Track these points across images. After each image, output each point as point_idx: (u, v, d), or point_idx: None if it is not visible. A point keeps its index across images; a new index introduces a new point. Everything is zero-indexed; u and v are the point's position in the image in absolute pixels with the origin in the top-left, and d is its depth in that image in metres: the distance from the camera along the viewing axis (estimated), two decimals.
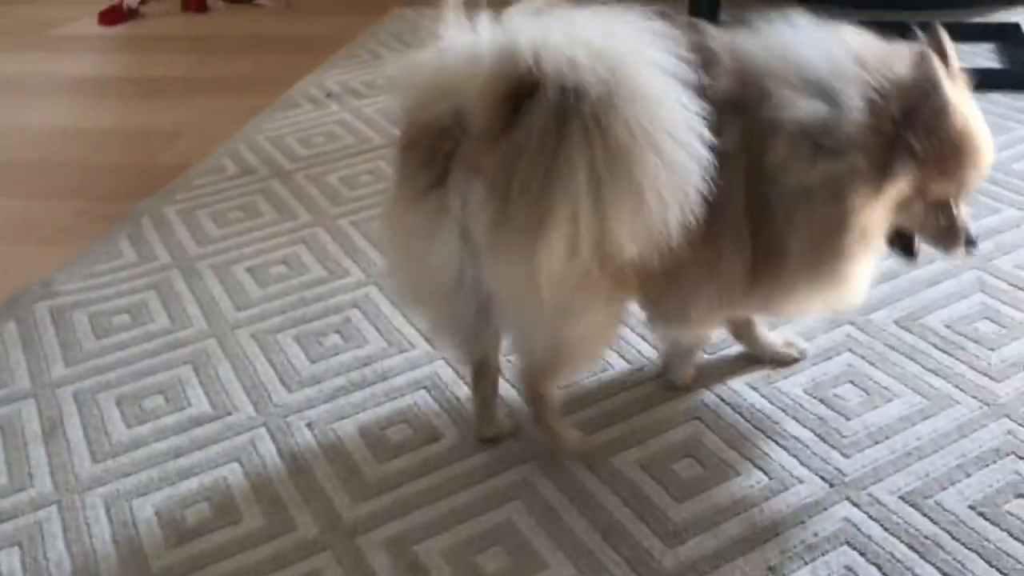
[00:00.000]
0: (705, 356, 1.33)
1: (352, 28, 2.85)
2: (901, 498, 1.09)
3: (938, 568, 1.00)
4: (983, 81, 2.03)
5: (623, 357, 1.35)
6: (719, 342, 1.35)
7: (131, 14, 3.18)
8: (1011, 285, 1.43)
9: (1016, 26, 2.31)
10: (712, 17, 2.42)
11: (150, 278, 1.64)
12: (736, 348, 1.34)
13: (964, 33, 2.33)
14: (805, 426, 1.20)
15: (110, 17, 3.15)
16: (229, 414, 1.31)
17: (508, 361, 1.23)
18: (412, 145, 0.98)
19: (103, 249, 1.74)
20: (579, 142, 0.88)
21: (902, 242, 1.10)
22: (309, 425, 1.27)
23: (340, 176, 1.94)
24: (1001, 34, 2.30)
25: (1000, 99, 2.01)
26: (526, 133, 0.89)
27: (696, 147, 0.90)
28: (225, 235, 1.76)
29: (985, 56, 2.23)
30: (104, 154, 2.18)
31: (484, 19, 0.94)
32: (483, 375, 1.20)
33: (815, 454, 1.16)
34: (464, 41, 0.93)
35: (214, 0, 3.23)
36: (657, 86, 0.91)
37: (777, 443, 1.18)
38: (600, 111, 0.88)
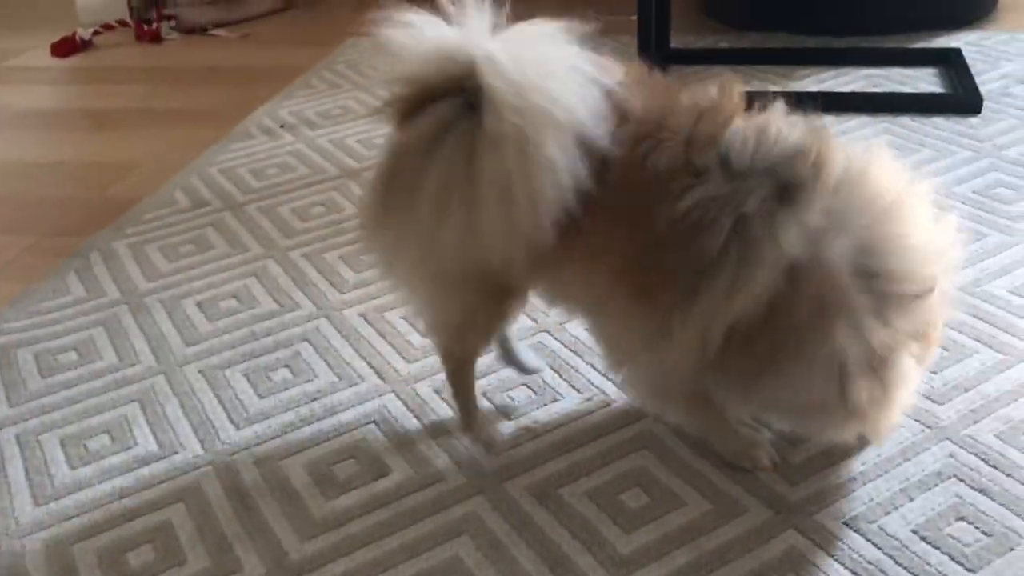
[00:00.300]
0: None
1: (308, 58, 2.85)
2: (845, 523, 1.10)
3: None
4: (926, 105, 2.11)
5: (573, 386, 1.35)
6: None
7: (84, 45, 3.17)
8: (953, 308, 1.45)
9: (957, 51, 2.36)
10: (661, 46, 2.45)
11: (98, 314, 1.62)
12: None
13: (908, 58, 2.39)
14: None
15: (63, 48, 3.13)
16: (175, 453, 1.30)
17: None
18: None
19: (51, 285, 1.72)
20: (461, 142, 1.01)
21: None
22: (256, 463, 1.26)
23: (292, 207, 1.94)
24: (943, 59, 2.35)
25: (943, 123, 2.05)
26: (423, 123, 1.03)
27: (577, 161, 0.99)
28: (175, 269, 1.74)
29: (928, 80, 2.28)
30: (54, 188, 2.16)
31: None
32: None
33: (761, 481, 1.16)
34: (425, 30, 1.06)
35: (168, 31, 3.23)
36: (564, 91, 0.99)
37: (723, 471, 1.19)
38: (500, 108, 0.98)
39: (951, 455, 1.18)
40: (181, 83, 2.79)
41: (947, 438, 1.21)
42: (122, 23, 3.28)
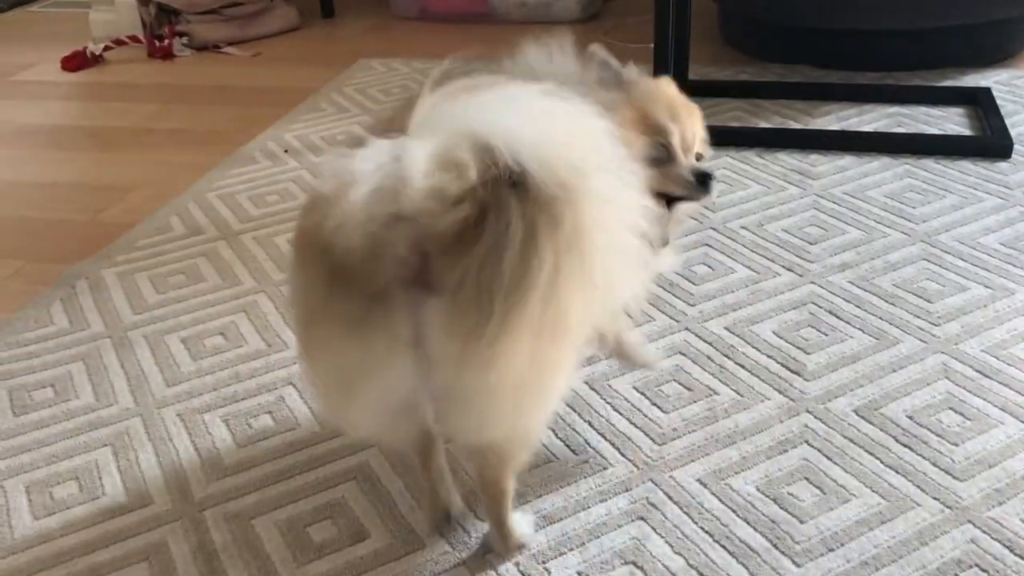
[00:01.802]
0: (655, 446, 1.26)
1: (318, 79, 2.79)
2: None
3: None
4: (952, 147, 2.02)
5: (568, 445, 1.27)
6: (667, 431, 1.28)
7: (95, 60, 3.13)
8: (977, 372, 1.36)
9: (987, 91, 2.27)
10: (679, 77, 2.38)
11: (79, 348, 1.56)
12: (686, 440, 1.27)
13: (935, 97, 2.30)
14: (756, 529, 1.12)
15: (72, 63, 3.10)
16: (145, 506, 1.22)
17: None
18: (338, 271, 0.83)
19: (33, 314, 1.66)
20: (545, 242, 0.81)
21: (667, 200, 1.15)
22: (228, 519, 1.19)
23: (289, 238, 1.87)
24: (972, 98, 2.26)
25: (970, 167, 1.96)
26: (495, 237, 0.80)
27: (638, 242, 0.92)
28: (163, 301, 1.68)
29: (955, 121, 2.19)
30: (46, 210, 2.11)
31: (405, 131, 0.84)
32: (433, 454, 1.13)
33: (765, 562, 1.08)
34: (394, 163, 0.79)
35: (181, 48, 3.18)
36: (609, 189, 0.88)
37: (726, 549, 1.10)
38: (558, 211, 0.82)
39: (973, 540, 1.09)
40: (188, 102, 2.74)
41: (969, 520, 1.12)
42: (134, 39, 3.24)
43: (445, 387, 0.89)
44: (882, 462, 1.21)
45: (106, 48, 3.18)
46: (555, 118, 0.85)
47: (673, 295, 1.58)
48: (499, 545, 1.11)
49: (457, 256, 0.81)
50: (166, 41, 3.17)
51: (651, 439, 1.27)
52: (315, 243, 0.83)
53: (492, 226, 0.80)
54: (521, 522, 1.12)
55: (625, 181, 0.90)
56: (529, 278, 0.81)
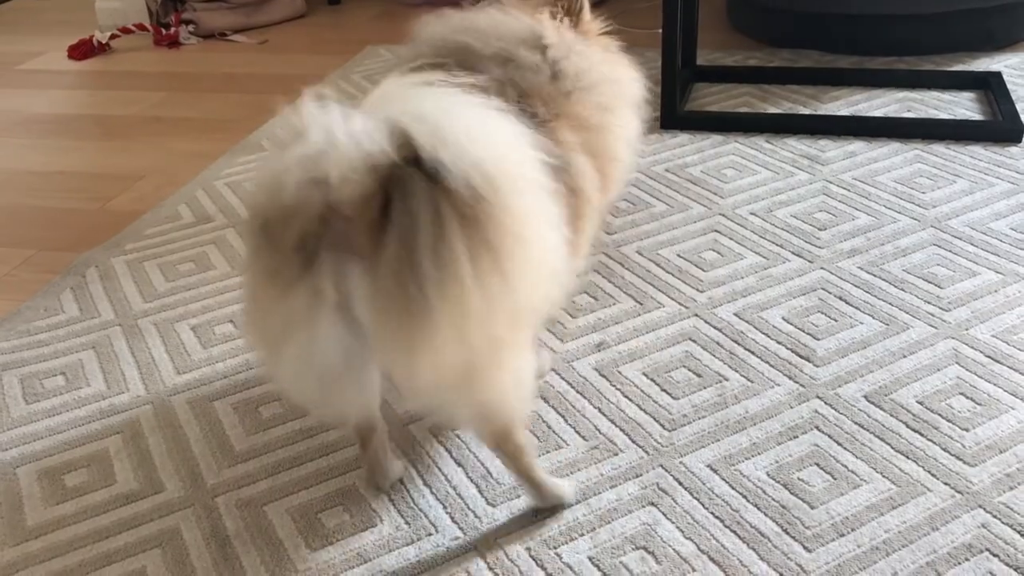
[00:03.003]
0: (665, 432, 1.26)
1: (325, 67, 2.79)
2: None
3: None
4: (963, 132, 2.01)
5: (578, 432, 1.27)
6: (677, 417, 1.28)
7: (101, 48, 3.12)
8: (988, 357, 1.36)
9: (998, 75, 2.25)
10: (687, 62, 2.37)
11: (90, 336, 1.56)
12: (696, 426, 1.27)
13: (945, 82, 2.28)
14: (767, 515, 1.12)
15: (79, 51, 3.10)
16: (157, 493, 1.23)
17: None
18: (275, 231, 0.88)
19: (43, 303, 1.66)
20: (457, 232, 0.84)
21: None
22: (239, 506, 1.19)
23: None
24: (982, 83, 2.25)
25: (981, 152, 1.95)
26: (409, 221, 0.84)
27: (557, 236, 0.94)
28: (173, 289, 1.68)
29: (966, 106, 2.18)
30: (55, 198, 2.11)
31: (351, 104, 0.88)
32: (371, 432, 1.16)
33: (776, 547, 1.08)
34: (332, 128, 0.84)
35: (187, 36, 3.18)
36: (526, 187, 0.91)
37: (737, 534, 1.10)
38: (474, 205, 0.85)
39: (984, 525, 1.09)
40: (195, 90, 2.74)
41: (980, 506, 1.12)
42: (140, 27, 3.24)
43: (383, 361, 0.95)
44: (892, 447, 1.21)
45: (112, 36, 3.18)
46: (493, 132, 0.91)
47: (682, 281, 1.58)
48: (537, 499, 1.14)
49: (377, 228, 0.85)
50: (172, 29, 3.17)
51: (661, 425, 1.27)
52: (253, 199, 0.92)
53: (399, 207, 0.84)
54: (555, 482, 1.15)
55: (546, 199, 0.94)
56: (441, 265, 0.84)
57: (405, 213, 0.84)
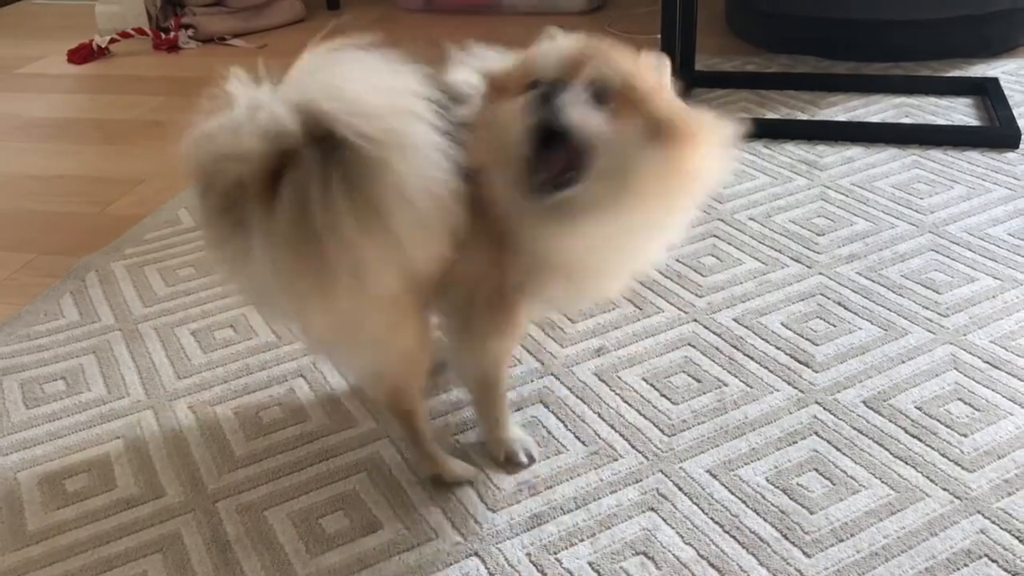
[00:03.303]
0: (665, 437, 1.26)
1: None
2: None
3: None
4: (960, 138, 2.02)
5: (578, 437, 1.28)
6: (677, 422, 1.28)
7: (100, 52, 3.13)
8: (986, 363, 1.36)
9: (995, 80, 2.26)
10: (685, 68, 2.38)
11: (90, 341, 1.57)
12: (696, 432, 1.27)
13: (942, 88, 2.29)
14: (766, 520, 1.13)
15: (79, 55, 3.10)
16: (158, 498, 1.23)
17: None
18: (207, 193, 0.98)
19: (43, 307, 1.66)
20: (342, 197, 0.89)
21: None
22: (240, 511, 1.20)
23: None
24: (979, 88, 2.26)
25: (978, 158, 1.96)
26: (293, 190, 0.91)
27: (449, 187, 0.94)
28: (173, 294, 1.68)
29: (963, 111, 2.19)
30: (55, 202, 2.11)
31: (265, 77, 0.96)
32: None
33: (775, 552, 1.08)
34: (242, 101, 0.94)
35: (186, 40, 3.18)
36: (421, 141, 0.93)
37: (736, 539, 1.11)
38: (361, 165, 0.90)
39: (982, 531, 1.09)
40: (194, 94, 2.72)
41: (978, 511, 1.12)
42: (140, 31, 3.24)
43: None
44: (891, 453, 1.21)
45: (112, 40, 3.18)
46: (373, 78, 0.94)
47: (681, 286, 1.58)
48: (425, 469, 1.22)
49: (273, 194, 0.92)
50: (172, 33, 3.17)
51: (661, 430, 1.28)
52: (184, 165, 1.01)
53: (290, 175, 0.90)
54: (449, 458, 1.21)
55: (436, 156, 0.94)
56: (330, 224, 0.90)
57: (297, 181, 0.90)
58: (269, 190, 0.91)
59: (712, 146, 1.03)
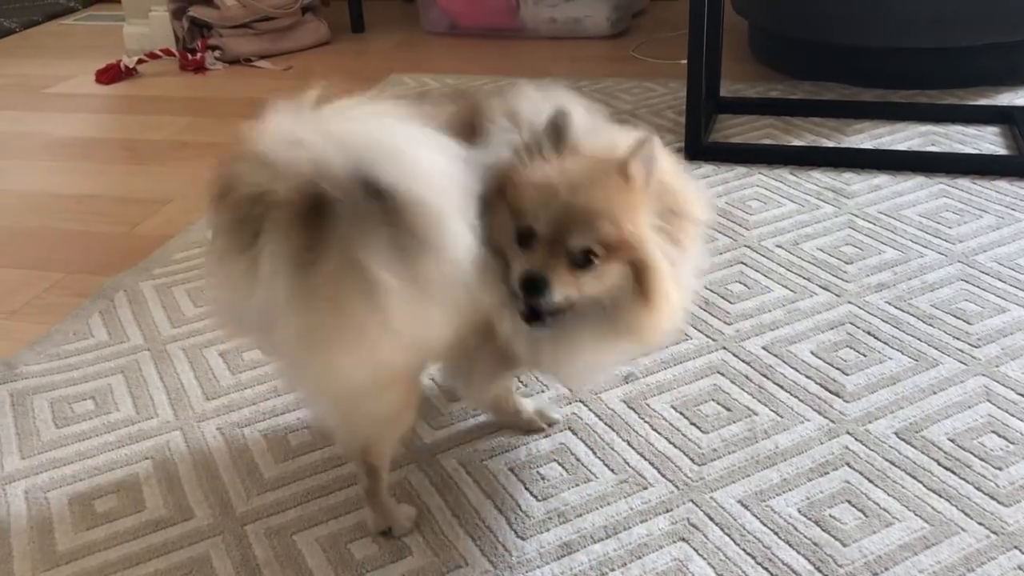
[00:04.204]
0: (695, 466, 1.25)
1: (350, 93, 2.80)
2: None
3: None
4: (988, 167, 2.01)
5: (607, 465, 1.27)
6: (707, 451, 1.28)
7: (128, 73, 3.16)
8: (1019, 395, 1.35)
9: (1022, 110, 2.26)
10: (711, 94, 2.38)
11: (119, 360, 1.57)
12: (726, 461, 1.26)
13: (969, 116, 2.29)
14: (799, 552, 1.12)
15: (107, 75, 3.13)
16: (187, 520, 1.23)
17: None
18: (230, 204, 0.98)
19: (73, 327, 1.67)
20: (383, 257, 0.89)
21: None
22: (269, 535, 1.19)
23: None
24: (1007, 117, 2.25)
25: (1006, 187, 1.95)
26: (342, 242, 0.89)
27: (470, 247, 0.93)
28: (201, 314, 1.69)
29: (990, 140, 2.18)
30: (83, 222, 2.13)
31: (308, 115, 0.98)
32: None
33: None
34: (289, 137, 0.94)
35: (213, 61, 3.21)
36: (445, 200, 0.92)
37: (769, 572, 1.10)
38: (402, 223, 0.90)
39: (1020, 567, 1.08)
40: (221, 115, 2.76)
41: (1015, 547, 1.11)
42: (167, 52, 3.28)
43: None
44: (925, 486, 1.20)
45: (140, 61, 3.22)
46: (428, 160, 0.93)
47: (710, 314, 1.58)
48: (374, 522, 1.19)
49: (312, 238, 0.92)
50: (199, 54, 3.20)
51: (691, 459, 1.27)
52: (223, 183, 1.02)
53: (340, 229, 0.90)
54: (394, 505, 1.20)
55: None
56: (372, 283, 0.89)
57: (346, 235, 0.89)
58: (303, 222, 0.91)
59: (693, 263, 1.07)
